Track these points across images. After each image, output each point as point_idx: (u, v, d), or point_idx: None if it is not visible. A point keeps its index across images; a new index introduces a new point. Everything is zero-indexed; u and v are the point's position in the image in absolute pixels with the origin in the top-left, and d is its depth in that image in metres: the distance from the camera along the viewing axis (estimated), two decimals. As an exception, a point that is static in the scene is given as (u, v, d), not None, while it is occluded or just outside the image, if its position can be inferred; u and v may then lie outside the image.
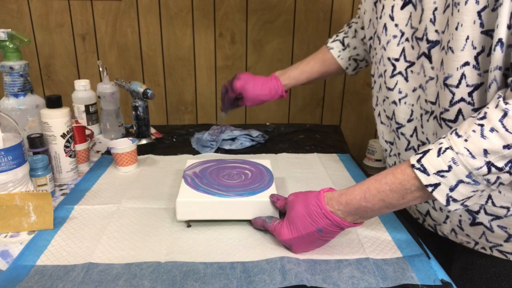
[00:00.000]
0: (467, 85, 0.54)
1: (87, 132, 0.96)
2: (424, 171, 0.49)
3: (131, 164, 0.89)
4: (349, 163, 0.96)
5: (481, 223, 0.62)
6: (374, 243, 0.63)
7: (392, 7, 0.66)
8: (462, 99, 0.55)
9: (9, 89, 0.84)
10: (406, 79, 0.66)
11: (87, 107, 1.07)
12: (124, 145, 0.89)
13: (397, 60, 0.67)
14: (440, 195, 0.49)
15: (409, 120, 0.68)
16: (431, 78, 0.61)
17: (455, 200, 0.49)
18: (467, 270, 0.69)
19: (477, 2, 0.50)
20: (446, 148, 0.49)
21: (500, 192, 0.59)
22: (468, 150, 0.47)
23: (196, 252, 0.60)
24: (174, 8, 1.64)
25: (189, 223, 0.67)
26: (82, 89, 1.06)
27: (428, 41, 0.60)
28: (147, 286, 0.53)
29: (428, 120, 0.64)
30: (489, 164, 0.46)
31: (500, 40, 0.48)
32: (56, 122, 0.79)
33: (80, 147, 0.88)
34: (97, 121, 1.12)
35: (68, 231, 0.65)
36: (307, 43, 1.71)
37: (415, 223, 0.76)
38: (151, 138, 1.09)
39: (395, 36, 0.66)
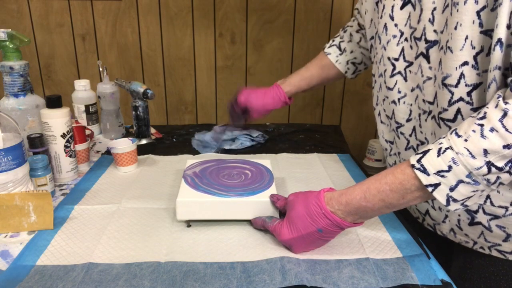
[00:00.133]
0: (466, 85, 0.54)
1: (87, 132, 0.96)
2: (424, 171, 0.49)
3: (131, 164, 0.89)
4: (349, 163, 0.96)
5: (479, 223, 0.62)
6: (374, 243, 0.63)
7: (392, 7, 0.66)
8: (461, 99, 0.55)
9: (9, 89, 0.84)
10: (405, 79, 0.67)
11: (87, 107, 1.07)
12: (124, 145, 0.89)
13: (396, 59, 0.67)
14: (440, 195, 0.49)
15: (408, 120, 0.68)
16: (429, 78, 0.61)
17: (455, 200, 0.49)
18: (466, 270, 0.69)
19: (476, 2, 0.50)
20: (446, 148, 0.49)
21: (498, 191, 0.59)
22: (468, 150, 0.47)
23: (196, 252, 0.60)
24: (174, 8, 1.64)
25: (189, 223, 0.67)
26: (82, 89, 1.06)
27: (426, 41, 0.60)
28: (147, 286, 0.53)
29: (426, 120, 0.64)
30: (489, 164, 0.46)
31: (499, 40, 0.48)
32: (56, 122, 0.79)
33: (80, 147, 0.88)
34: (97, 121, 1.12)
35: (68, 231, 0.65)
36: (307, 43, 1.71)
37: (415, 222, 0.76)
38: (151, 138, 1.09)
39: (394, 36, 0.66)
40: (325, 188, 0.59)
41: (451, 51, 0.54)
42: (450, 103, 0.56)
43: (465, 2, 0.51)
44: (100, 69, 1.16)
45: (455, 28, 0.52)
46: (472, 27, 0.51)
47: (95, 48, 1.68)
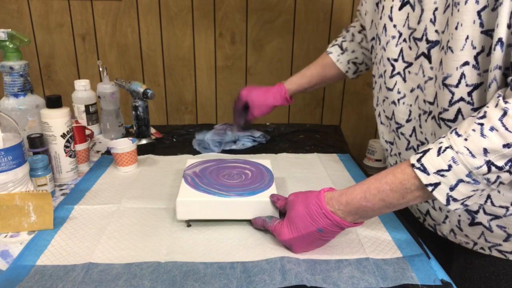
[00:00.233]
0: (467, 85, 0.54)
1: (87, 132, 0.96)
2: (424, 170, 0.49)
3: (131, 164, 0.89)
4: (349, 163, 0.96)
5: (480, 223, 0.62)
6: (374, 243, 0.63)
7: (391, 8, 0.66)
8: (461, 99, 0.55)
9: (9, 89, 0.84)
10: (404, 79, 0.67)
11: (87, 107, 1.07)
12: (124, 145, 0.89)
13: (396, 60, 0.67)
14: (440, 194, 0.49)
15: (408, 120, 0.68)
16: (430, 78, 0.61)
17: (455, 200, 0.49)
18: (466, 270, 0.69)
19: (477, 2, 0.50)
20: (446, 148, 0.49)
21: (499, 191, 0.59)
22: (468, 149, 0.47)
23: (196, 252, 0.60)
24: (174, 8, 1.64)
25: (189, 223, 0.67)
26: (82, 89, 1.06)
27: (428, 41, 0.60)
28: (147, 286, 0.53)
29: (426, 120, 0.64)
30: (489, 163, 0.46)
31: (500, 40, 0.48)
32: (56, 122, 0.79)
33: (80, 147, 0.88)
34: (97, 121, 1.12)
35: (68, 231, 0.65)
36: (307, 43, 1.71)
37: (415, 222, 0.76)
38: (151, 138, 1.09)
39: (393, 37, 0.66)
40: (325, 188, 0.59)
41: (452, 51, 0.54)
42: (451, 103, 0.56)
43: (466, 2, 0.51)
44: (100, 69, 1.16)
45: (456, 28, 0.52)
46: (473, 27, 0.51)
47: (95, 48, 1.68)
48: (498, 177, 0.47)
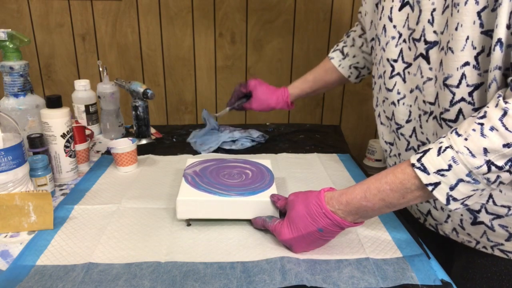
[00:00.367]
0: (468, 85, 0.54)
1: (87, 132, 0.96)
2: (424, 170, 0.49)
3: (131, 164, 0.89)
4: (349, 163, 0.96)
5: (482, 222, 0.62)
6: (374, 243, 0.63)
7: (391, 8, 0.66)
8: (462, 99, 0.55)
9: (9, 89, 0.84)
10: (404, 80, 0.67)
11: (87, 107, 1.07)
12: (124, 145, 0.89)
13: (395, 61, 0.67)
14: (440, 194, 0.49)
15: (408, 121, 0.68)
16: (429, 79, 0.61)
17: (455, 199, 0.49)
18: (468, 269, 0.69)
19: (477, 3, 0.50)
20: (446, 147, 0.49)
21: (501, 191, 0.59)
22: (468, 149, 0.47)
23: (196, 252, 0.60)
24: (174, 8, 1.64)
25: (189, 222, 0.67)
26: (82, 89, 1.06)
27: (426, 42, 0.60)
28: (147, 286, 0.53)
29: (427, 121, 0.64)
30: (489, 163, 0.46)
31: (499, 40, 0.48)
32: (56, 122, 0.79)
33: (80, 147, 0.88)
34: (97, 121, 1.12)
35: (68, 231, 0.65)
36: (307, 43, 1.71)
37: (416, 222, 0.76)
38: (151, 138, 1.09)
39: (393, 37, 0.66)
40: (325, 187, 0.59)
41: (452, 51, 0.54)
42: (452, 104, 0.56)
43: (465, 3, 0.51)
44: (100, 69, 1.16)
45: (456, 29, 0.52)
46: (473, 27, 0.51)
47: (95, 48, 1.68)
48: (498, 176, 0.47)
